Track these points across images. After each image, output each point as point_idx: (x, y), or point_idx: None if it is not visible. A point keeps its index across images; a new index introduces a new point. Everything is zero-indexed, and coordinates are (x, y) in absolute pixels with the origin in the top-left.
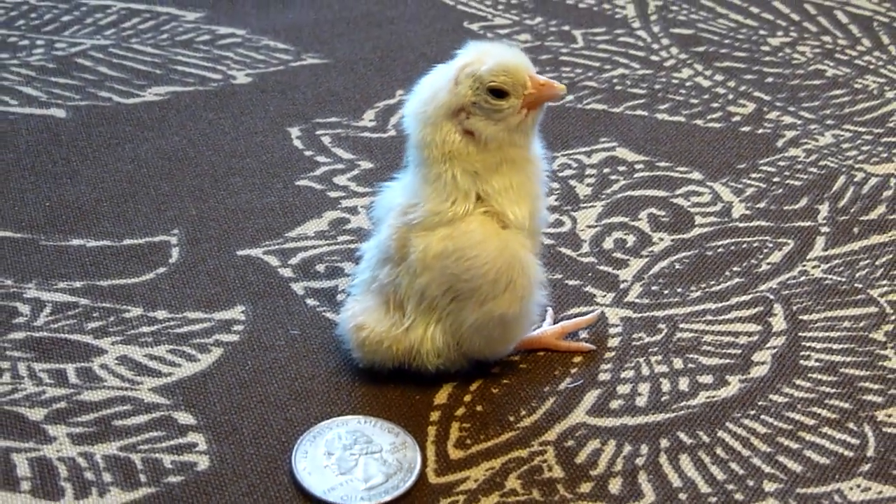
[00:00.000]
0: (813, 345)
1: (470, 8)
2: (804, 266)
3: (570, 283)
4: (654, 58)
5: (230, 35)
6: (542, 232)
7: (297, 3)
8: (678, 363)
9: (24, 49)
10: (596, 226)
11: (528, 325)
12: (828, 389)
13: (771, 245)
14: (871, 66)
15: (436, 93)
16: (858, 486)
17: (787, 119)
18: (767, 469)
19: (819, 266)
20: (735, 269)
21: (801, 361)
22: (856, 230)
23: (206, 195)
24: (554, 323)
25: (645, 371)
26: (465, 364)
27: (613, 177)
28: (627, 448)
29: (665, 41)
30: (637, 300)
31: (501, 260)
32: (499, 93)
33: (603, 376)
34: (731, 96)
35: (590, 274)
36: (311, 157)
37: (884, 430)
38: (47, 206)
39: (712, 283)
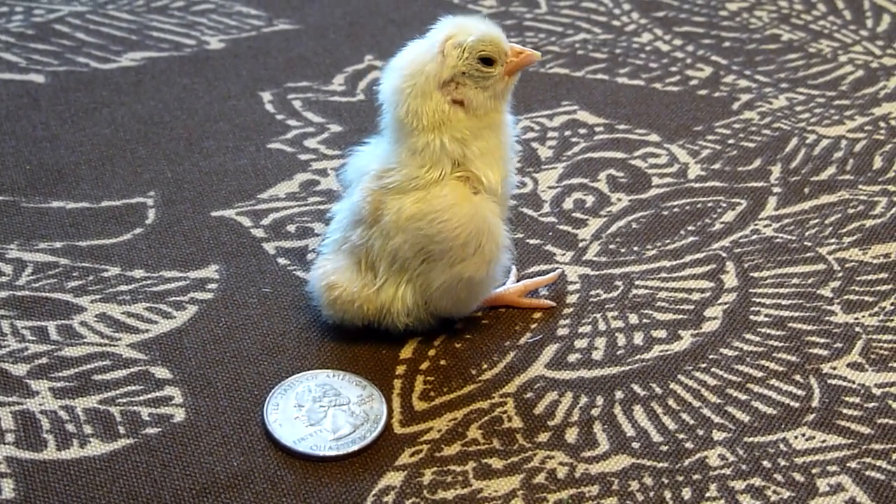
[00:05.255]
0: (763, 301)
1: None
2: (756, 225)
3: (531, 241)
4: (615, 23)
5: (203, 1)
6: (510, 197)
7: None
8: (633, 318)
9: (2, 16)
10: (556, 187)
11: (492, 286)
12: (776, 343)
13: (725, 205)
14: (826, 31)
15: (422, 66)
16: (803, 434)
17: (743, 82)
18: (717, 419)
19: (770, 225)
20: (690, 228)
21: (751, 317)
22: (806, 190)
23: (181, 158)
24: (517, 281)
25: (602, 326)
26: (432, 322)
27: (574, 139)
28: (584, 399)
29: (626, 6)
30: (595, 258)
31: (472, 225)
32: (488, 61)
33: (561, 331)
34: (689, 60)
35: (550, 233)
36: (282, 120)
37: (828, 381)
38: (27, 170)
39: (667, 241)
